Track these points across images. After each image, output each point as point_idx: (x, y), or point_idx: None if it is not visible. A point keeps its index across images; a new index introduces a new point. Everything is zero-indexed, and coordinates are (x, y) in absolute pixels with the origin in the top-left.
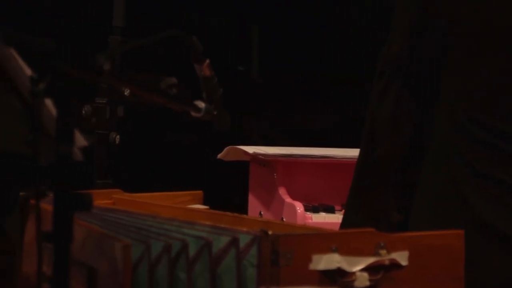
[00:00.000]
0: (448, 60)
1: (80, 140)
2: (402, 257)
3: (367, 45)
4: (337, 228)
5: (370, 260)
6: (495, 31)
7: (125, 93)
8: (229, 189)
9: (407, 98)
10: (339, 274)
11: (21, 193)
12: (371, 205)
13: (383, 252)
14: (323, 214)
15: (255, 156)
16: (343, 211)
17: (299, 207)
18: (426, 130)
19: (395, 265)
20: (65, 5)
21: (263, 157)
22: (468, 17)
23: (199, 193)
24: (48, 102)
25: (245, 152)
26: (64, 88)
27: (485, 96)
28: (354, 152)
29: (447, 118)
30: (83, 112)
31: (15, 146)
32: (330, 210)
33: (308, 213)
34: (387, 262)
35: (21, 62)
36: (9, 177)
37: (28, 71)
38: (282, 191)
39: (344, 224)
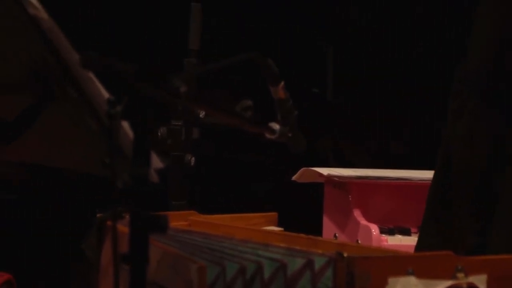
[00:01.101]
0: None
1: (156, 162)
2: (480, 281)
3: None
4: (413, 250)
5: (447, 283)
6: None
7: (200, 115)
8: (303, 211)
9: (485, 115)
10: None
11: (98, 215)
12: (447, 226)
13: (460, 275)
14: (398, 236)
15: (329, 178)
16: (419, 233)
17: (374, 229)
18: (509, 143)
19: None
20: (142, 28)
21: (337, 179)
22: None
23: (273, 215)
24: (125, 124)
25: (320, 174)
26: (141, 110)
27: None
28: (429, 174)
29: None
30: (159, 134)
31: (93, 168)
32: (406, 232)
33: (383, 235)
34: (464, 286)
35: (99, 85)
36: (86, 199)
37: (105, 94)
38: (357, 213)
39: (419, 246)
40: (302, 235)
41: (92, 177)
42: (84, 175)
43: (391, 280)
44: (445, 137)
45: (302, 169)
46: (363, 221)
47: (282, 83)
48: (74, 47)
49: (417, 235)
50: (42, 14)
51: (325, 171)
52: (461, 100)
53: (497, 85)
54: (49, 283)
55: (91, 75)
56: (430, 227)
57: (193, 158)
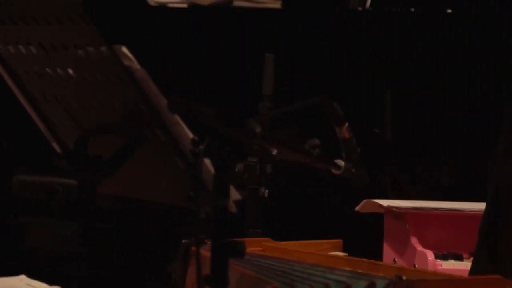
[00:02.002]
0: None
1: (234, 194)
2: None
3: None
4: (465, 274)
5: None
6: None
7: (273, 153)
8: (365, 238)
9: None
10: None
11: (183, 241)
12: (498, 255)
13: None
14: (452, 261)
15: (389, 208)
16: (472, 259)
17: (430, 255)
18: None
19: None
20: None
21: (396, 210)
22: None
23: (339, 241)
24: (207, 161)
25: (380, 205)
26: (221, 149)
27: None
28: (479, 206)
29: None
30: (237, 169)
31: (179, 200)
32: (458, 258)
33: (438, 260)
34: None
35: (184, 126)
36: (173, 227)
37: (189, 134)
38: (414, 241)
39: (472, 271)
40: (364, 259)
41: (178, 208)
42: (171, 207)
43: None
44: (495, 174)
45: (364, 200)
46: (420, 248)
47: (347, 124)
48: (162, 93)
49: (469, 260)
50: (135, 65)
51: (385, 202)
52: (509, 146)
53: None
54: None
55: (177, 118)
56: (482, 255)
57: (266, 191)
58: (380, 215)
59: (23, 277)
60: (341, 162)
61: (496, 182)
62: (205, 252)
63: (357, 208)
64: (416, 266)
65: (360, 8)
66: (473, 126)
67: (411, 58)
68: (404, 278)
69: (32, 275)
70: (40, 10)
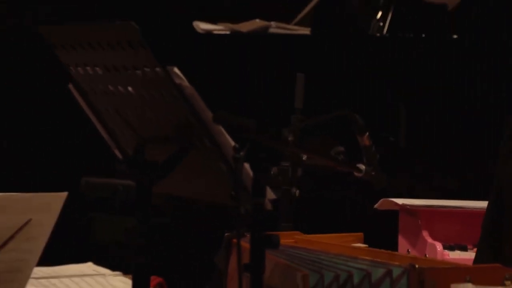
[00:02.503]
0: None
1: (270, 194)
2: None
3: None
4: (469, 263)
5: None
6: None
7: (303, 158)
8: (383, 232)
9: None
10: None
11: (226, 234)
12: (498, 247)
13: (507, 282)
14: (457, 251)
15: (403, 206)
16: (475, 250)
17: (438, 246)
18: None
19: None
20: (259, 92)
21: (410, 207)
22: None
23: (360, 234)
24: (246, 165)
25: (396, 203)
26: (258, 155)
27: None
28: (481, 204)
29: None
30: (272, 172)
31: (222, 199)
32: (463, 248)
33: (445, 251)
34: None
35: (227, 135)
36: (217, 222)
37: (231, 142)
38: (425, 234)
39: (476, 261)
40: (382, 250)
41: (222, 206)
42: (216, 204)
43: (453, 286)
44: (497, 176)
45: (382, 199)
46: (430, 240)
47: (367, 133)
48: (208, 107)
49: (472, 250)
50: (185, 83)
51: (400, 201)
52: (509, 149)
53: None
54: (191, 286)
55: (221, 128)
56: (485, 248)
57: (297, 191)
58: (396, 212)
59: (90, 264)
60: (362, 166)
61: (498, 182)
62: (245, 243)
63: (376, 206)
64: (427, 256)
65: (378, 34)
66: (474, 130)
67: (422, 76)
68: (416, 266)
69: (98, 262)
70: (104, 37)
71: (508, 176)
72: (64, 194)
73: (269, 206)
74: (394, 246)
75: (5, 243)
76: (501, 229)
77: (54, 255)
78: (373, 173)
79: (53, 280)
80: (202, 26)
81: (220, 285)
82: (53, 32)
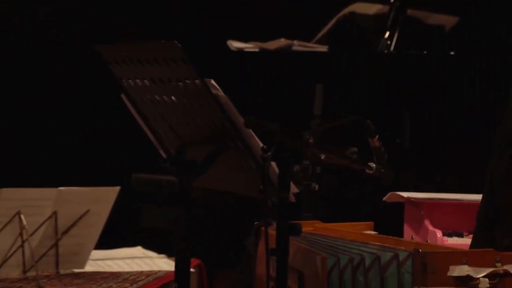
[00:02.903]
0: None
1: (293, 188)
2: (511, 268)
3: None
4: (465, 247)
5: (489, 270)
6: None
7: (322, 157)
8: (390, 221)
9: None
10: (468, 279)
11: (255, 223)
12: (491, 235)
13: (498, 264)
14: (455, 238)
15: (408, 199)
16: (471, 237)
17: (438, 233)
18: None
19: (507, 273)
20: (284, 100)
21: (413, 200)
22: None
23: (370, 223)
24: (273, 164)
25: (401, 196)
26: (283, 155)
27: None
28: (475, 197)
29: None
30: (294, 170)
31: (252, 193)
32: (460, 235)
33: (444, 237)
34: (501, 271)
35: (256, 138)
36: (248, 213)
37: (260, 144)
38: (427, 222)
39: (472, 246)
40: (390, 237)
41: (251, 198)
42: (246, 197)
43: (451, 268)
44: (489, 173)
45: (389, 193)
46: (431, 228)
47: (377, 136)
48: (240, 113)
49: (468, 237)
50: (220, 93)
51: (405, 194)
52: (501, 150)
53: None
54: (225, 267)
55: (251, 132)
56: (480, 236)
57: (317, 185)
58: (402, 204)
59: (139, 248)
60: (372, 165)
61: (491, 178)
62: (271, 231)
63: (384, 198)
64: (429, 241)
65: (386, 51)
66: (472, 131)
67: (423, 87)
68: (420, 250)
69: (146, 246)
70: (152, 54)
71: (500, 173)
72: (117, 188)
73: (292, 199)
74: (400, 234)
75: (68, 230)
76: (493, 220)
77: (108, 240)
78: (382, 170)
79: (108, 262)
80: (235, 44)
81: (249, 267)
82: (108, 50)
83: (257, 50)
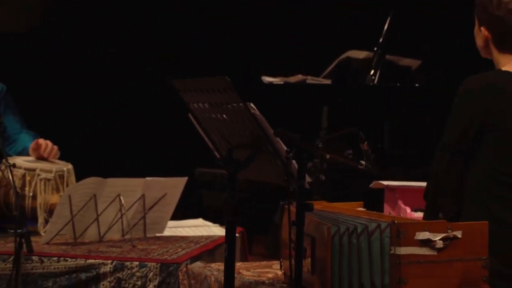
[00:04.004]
0: (485, 142)
1: (307, 178)
2: (458, 233)
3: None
4: None
5: (443, 235)
6: (506, 132)
7: (327, 157)
8: (375, 201)
9: (457, 164)
10: (428, 241)
11: (281, 202)
12: (437, 211)
13: (449, 231)
14: (419, 212)
15: (387, 186)
16: (424, 214)
17: (408, 209)
18: (465, 180)
19: (455, 237)
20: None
21: (391, 186)
22: (495, 124)
23: (361, 203)
24: (294, 162)
25: (382, 184)
26: (301, 155)
27: (504, 163)
28: None
29: (483, 171)
30: (308, 166)
31: (279, 181)
32: (422, 210)
33: (412, 212)
34: (451, 236)
35: (282, 143)
36: (276, 195)
37: (284, 147)
38: (400, 202)
39: (424, 219)
40: (375, 212)
41: (278, 185)
42: (275, 184)
43: (416, 233)
44: (433, 172)
45: (374, 181)
46: (403, 206)
47: (366, 142)
48: (271, 126)
49: None
50: (257, 112)
51: (385, 182)
52: (441, 155)
53: (460, 149)
54: (260, 233)
55: (278, 139)
56: (429, 212)
57: (324, 177)
58: (382, 189)
59: (200, 219)
60: (363, 162)
61: (434, 179)
62: (293, 208)
63: (370, 186)
64: (401, 215)
65: (371, 84)
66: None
67: (397, 108)
68: (395, 221)
69: (205, 219)
70: (210, 86)
71: (440, 170)
72: (185, 178)
73: (307, 186)
74: (381, 210)
75: (152, 207)
76: (436, 201)
77: (179, 214)
78: (369, 166)
79: (179, 229)
80: (267, 78)
81: (277, 233)
82: (180, 83)
83: (282, 83)
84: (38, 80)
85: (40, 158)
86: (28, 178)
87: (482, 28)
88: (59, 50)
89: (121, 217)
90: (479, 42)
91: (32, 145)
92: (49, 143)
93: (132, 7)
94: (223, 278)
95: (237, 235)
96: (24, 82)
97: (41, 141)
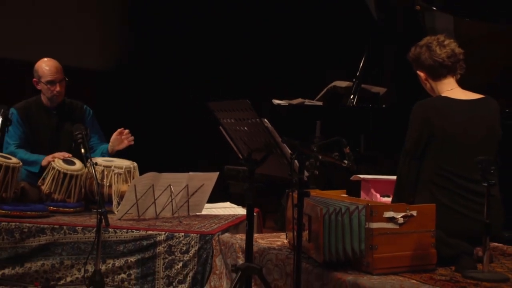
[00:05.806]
0: (431, 147)
1: (305, 173)
2: (414, 213)
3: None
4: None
5: (403, 213)
6: (448, 136)
7: (320, 158)
8: (354, 190)
9: (414, 165)
10: (393, 218)
11: (287, 190)
12: (401, 198)
13: (408, 211)
14: (386, 198)
15: (363, 178)
16: (391, 199)
17: (378, 195)
18: (419, 175)
19: (412, 215)
20: (300, 130)
21: (366, 179)
22: (438, 135)
23: (344, 191)
24: (296, 162)
25: (359, 177)
26: (301, 156)
27: (445, 162)
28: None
29: (431, 168)
30: (306, 164)
31: (285, 176)
32: (388, 196)
33: (381, 197)
34: (409, 214)
35: (287, 148)
36: (283, 185)
37: (289, 151)
38: (372, 190)
39: (392, 202)
40: (354, 198)
41: (285, 179)
42: (282, 178)
43: (384, 212)
44: (399, 170)
45: (354, 175)
46: (375, 193)
47: (348, 147)
48: (279, 135)
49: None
50: (269, 125)
51: (362, 176)
52: (404, 158)
53: (416, 154)
54: (271, 212)
55: (285, 145)
56: (395, 199)
57: (317, 172)
58: (359, 181)
59: (228, 203)
60: (345, 161)
61: (399, 175)
62: (295, 194)
63: (351, 178)
64: (373, 199)
65: (351, 105)
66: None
67: (370, 124)
68: (369, 204)
69: (232, 202)
70: (235, 107)
71: (403, 170)
72: (217, 173)
73: (305, 178)
74: (359, 196)
75: (193, 193)
76: (399, 192)
77: (213, 198)
78: (350, 164)
79: (213, 209)
80: (276, 101)
81: (284, 213)
82: (214, 105)
83: (287, 104)
84: (114, 105)
85: (119, 143)
86: (106, 173)
87: (419, 72)
88: (132, 85)
89: (171, 201)
90: (425, 85)
91: (116, 132)
92: (128, 131)
93: (192, 48)
94: (244, 245)
95: (254, 214)
96: (106, 107)
97: (123, 129)
